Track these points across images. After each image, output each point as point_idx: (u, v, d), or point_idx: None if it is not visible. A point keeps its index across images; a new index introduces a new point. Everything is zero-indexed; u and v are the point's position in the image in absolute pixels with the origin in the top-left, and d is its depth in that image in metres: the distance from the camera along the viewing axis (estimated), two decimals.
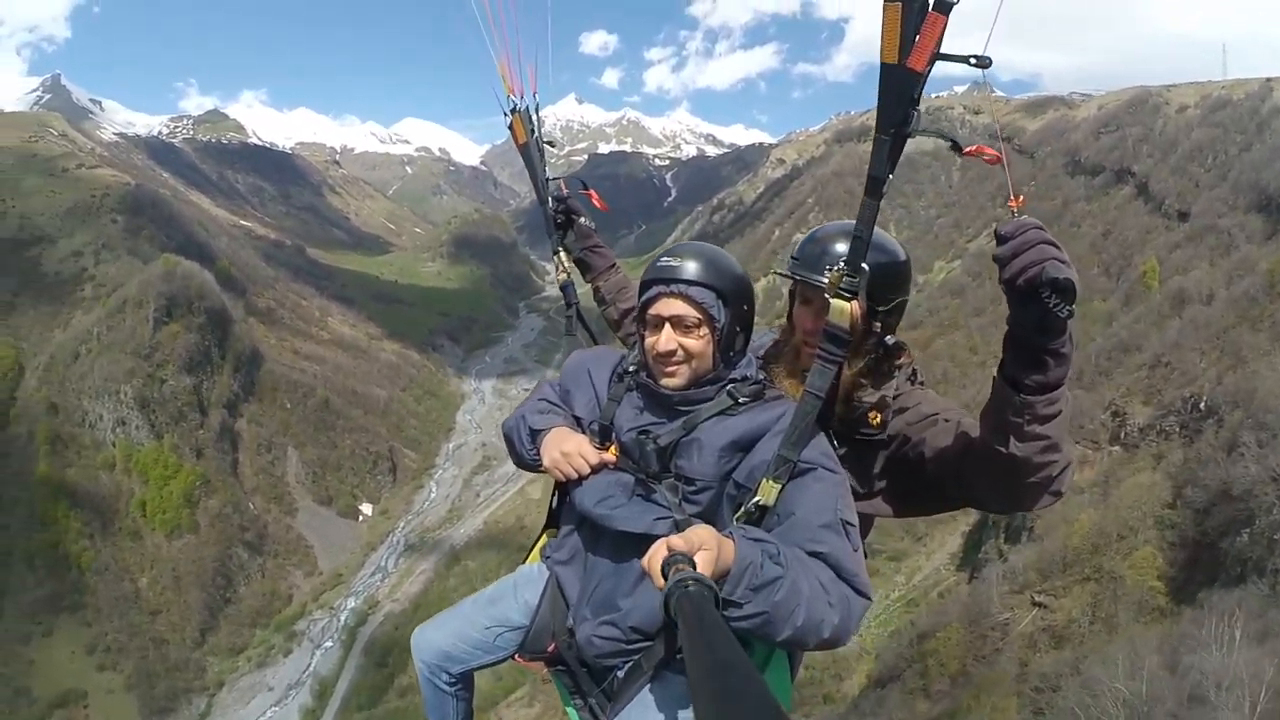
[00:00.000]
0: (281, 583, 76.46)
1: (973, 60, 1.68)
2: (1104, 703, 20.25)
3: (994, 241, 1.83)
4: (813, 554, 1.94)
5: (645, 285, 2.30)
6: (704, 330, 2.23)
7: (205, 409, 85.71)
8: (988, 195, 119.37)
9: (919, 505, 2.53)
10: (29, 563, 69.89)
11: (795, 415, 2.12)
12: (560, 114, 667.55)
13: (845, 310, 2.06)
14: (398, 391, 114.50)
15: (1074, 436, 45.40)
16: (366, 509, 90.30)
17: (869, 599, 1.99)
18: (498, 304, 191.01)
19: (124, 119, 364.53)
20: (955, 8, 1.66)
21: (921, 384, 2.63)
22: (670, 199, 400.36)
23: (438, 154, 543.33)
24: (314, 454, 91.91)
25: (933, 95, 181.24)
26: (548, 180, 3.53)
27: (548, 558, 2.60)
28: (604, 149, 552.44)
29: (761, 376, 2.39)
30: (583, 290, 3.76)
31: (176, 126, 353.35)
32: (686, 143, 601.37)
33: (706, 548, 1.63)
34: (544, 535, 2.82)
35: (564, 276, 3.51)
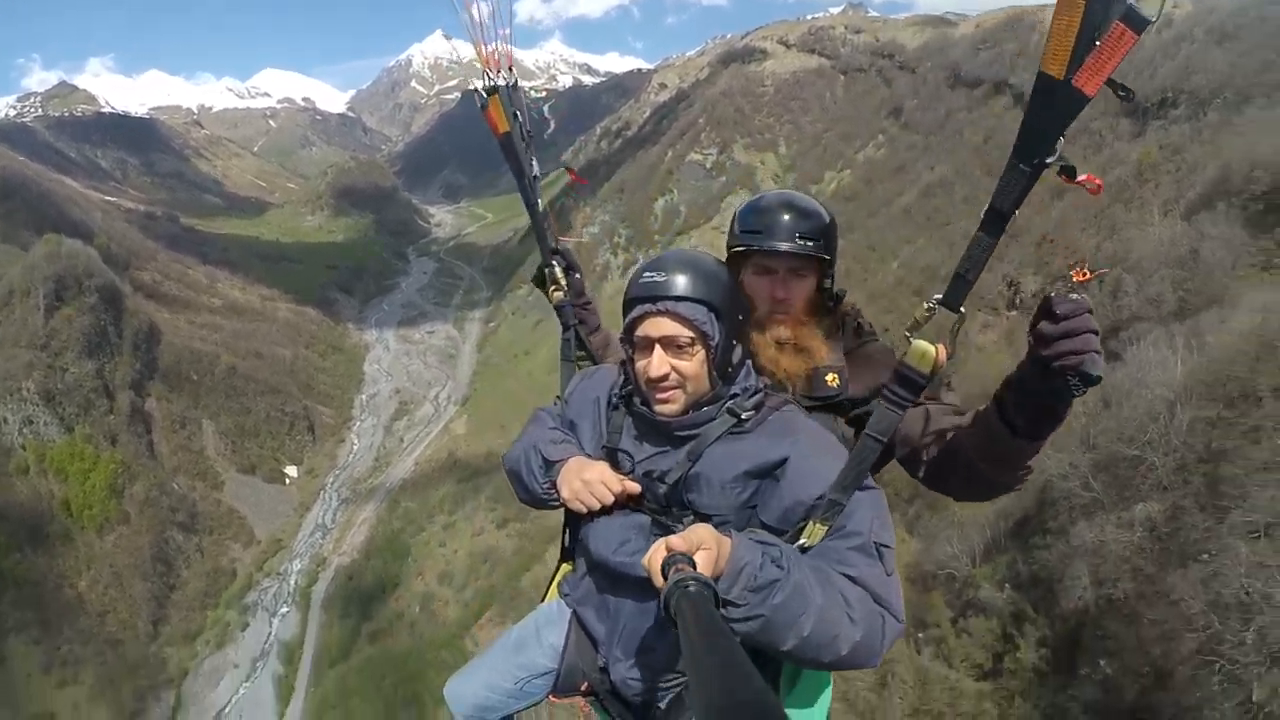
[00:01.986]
0: (222, 559, 74.94)
1: (1121, 93, 1.62)
2: None
3: (1041, 311, 1.84)
4: (844, 575, 1.92)
5: (629, 304, 2.13)
6: (698, 349, 2.08)
7: (112, 393, 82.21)
8: (871, 109, 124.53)
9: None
10: None
11: (852, 459, 2.03)
12: (428, 51, 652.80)
13: (930, 354, 1.97)
14: (301, 349, 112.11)
15: (975, 305, 51.81)
16: (292, 471, 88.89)
17: (902, 622, 1.95)
18: (386, 251, 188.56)
19: None
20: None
21: (871, 334, 2.70)
22: (550, 130, 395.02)
23: (302, 104, 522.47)
24: (229, 423, 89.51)
25: (810, 16, 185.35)
26: (536, 178, 2.99)
27: (566, 595, 2.51)
28: (476, 84, 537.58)
29: (761, 384, 2.26)
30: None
31: (24, 106, 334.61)
32: (562, 73, 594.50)
33: (706, 547, 1.63)
34: (560, 570, 2.71)
35: (560, 295, 3.05)
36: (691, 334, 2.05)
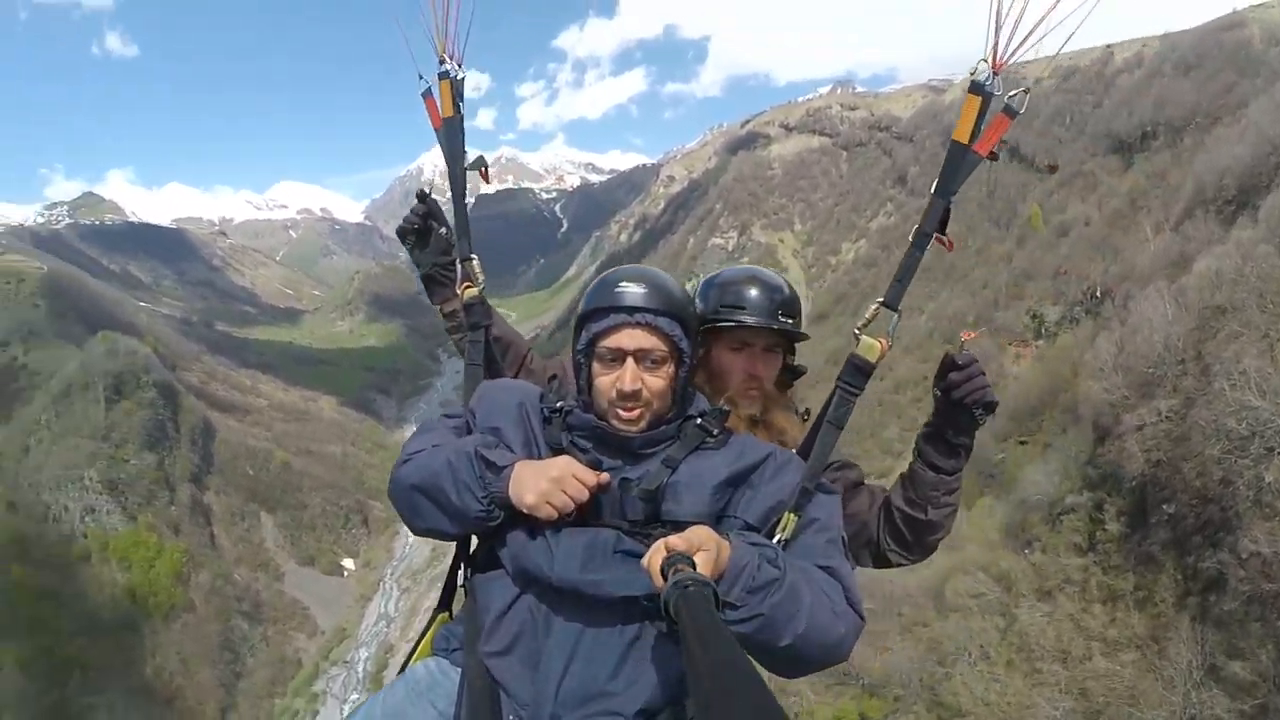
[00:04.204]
0: (287, 647, 74.32)
1: (992, 158, 2.16)
2: None
3: (945, 366, 2.28)
4: (823, 568, 1.92)
5: (596, 313, 2.01)
6: (670, 366, 2.02)
7: (172, 485, 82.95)
8: (877, 179, 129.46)
9: None
10: (26, 674, 65.34)
11: (818, 448, 2.15)
12: (437, 160, 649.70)
13: (876, 347, 2.20)
14: (348, 446, 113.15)
15: (1004, 340, 56.94)
16: (349, 563, 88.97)
17: (864, 620, 1.95)
18: (418, 353, 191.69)
19: None
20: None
21: (805, 417, 2.72)
22: (563, 229, 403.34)
23: (320, 214, 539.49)
24: (286, 517, 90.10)
25: (800, 99, 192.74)
26: (466, 169, 2.78)
27: (453, 650, 2.12)
28: (485, 189, 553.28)
29: (725, 408, 2.18)
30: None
31: (52, 214, 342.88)
32: (568, 173, 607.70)
33: (706, 548, 1.59)
34: (436, 621, 2.38)
35: (474, 291, 2.75)
36: (666, 349, 1.99)
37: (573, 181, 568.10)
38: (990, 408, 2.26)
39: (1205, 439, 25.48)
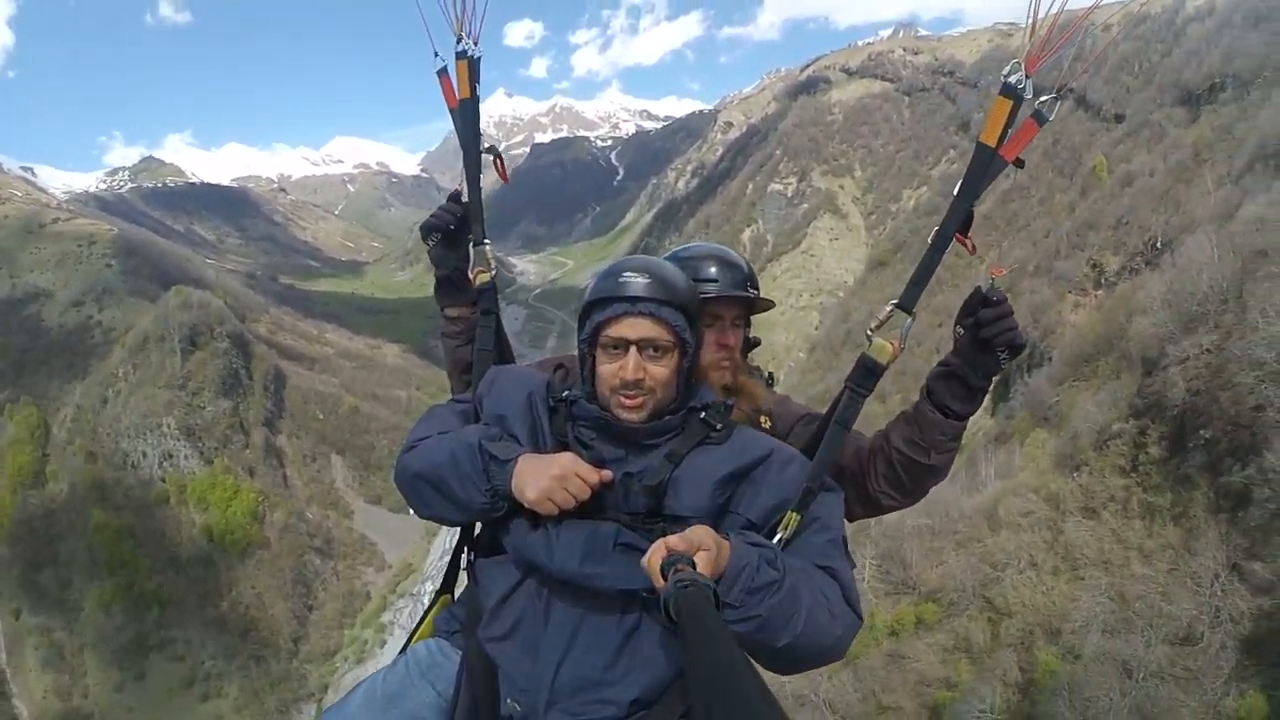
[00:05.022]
0: (356, 582, 77.51)
1: (1019, 165, 2.12)
2: None
3: (975, 301, 2.14)
4: (822, 568, 1.93)
5: (600, 303, 2.01)
6: (674, 356, 2.02)
7: (247, 430, 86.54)
8: (939, 126, 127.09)
9: None
10: (105, 610, 69.96)
11: (823, 449, 2.13)
12: (491, 110, 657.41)
13: (888, 349, 2.16)
14: (413, 391, 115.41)
15: (1064, 289, 57.71)
16: None
17: (862, 620, 1.97)
18: None
19: (61, 181, 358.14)
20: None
21: (772, 385, 2.81)
22: (619, 177, 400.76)
23: (376, 168, 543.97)
24: (355, 458, 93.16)
25: (860, 42, 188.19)
26: (484, 153, 2.78)
27: (454, 632, 2.19)
28: (540, 139, 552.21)
29: (729, 401, 2.18)
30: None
31: (114, 180, 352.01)
32: (623, 121, 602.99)
33: (706, 548, 1.61)
34: (438, 603, 2.42)
35: (486, 276, 2.78)
36: (671, 338, 2.00)
37: (628, 129, 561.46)
38: (1016, 350, 2.13)
39: (1240, 369, 27.81)
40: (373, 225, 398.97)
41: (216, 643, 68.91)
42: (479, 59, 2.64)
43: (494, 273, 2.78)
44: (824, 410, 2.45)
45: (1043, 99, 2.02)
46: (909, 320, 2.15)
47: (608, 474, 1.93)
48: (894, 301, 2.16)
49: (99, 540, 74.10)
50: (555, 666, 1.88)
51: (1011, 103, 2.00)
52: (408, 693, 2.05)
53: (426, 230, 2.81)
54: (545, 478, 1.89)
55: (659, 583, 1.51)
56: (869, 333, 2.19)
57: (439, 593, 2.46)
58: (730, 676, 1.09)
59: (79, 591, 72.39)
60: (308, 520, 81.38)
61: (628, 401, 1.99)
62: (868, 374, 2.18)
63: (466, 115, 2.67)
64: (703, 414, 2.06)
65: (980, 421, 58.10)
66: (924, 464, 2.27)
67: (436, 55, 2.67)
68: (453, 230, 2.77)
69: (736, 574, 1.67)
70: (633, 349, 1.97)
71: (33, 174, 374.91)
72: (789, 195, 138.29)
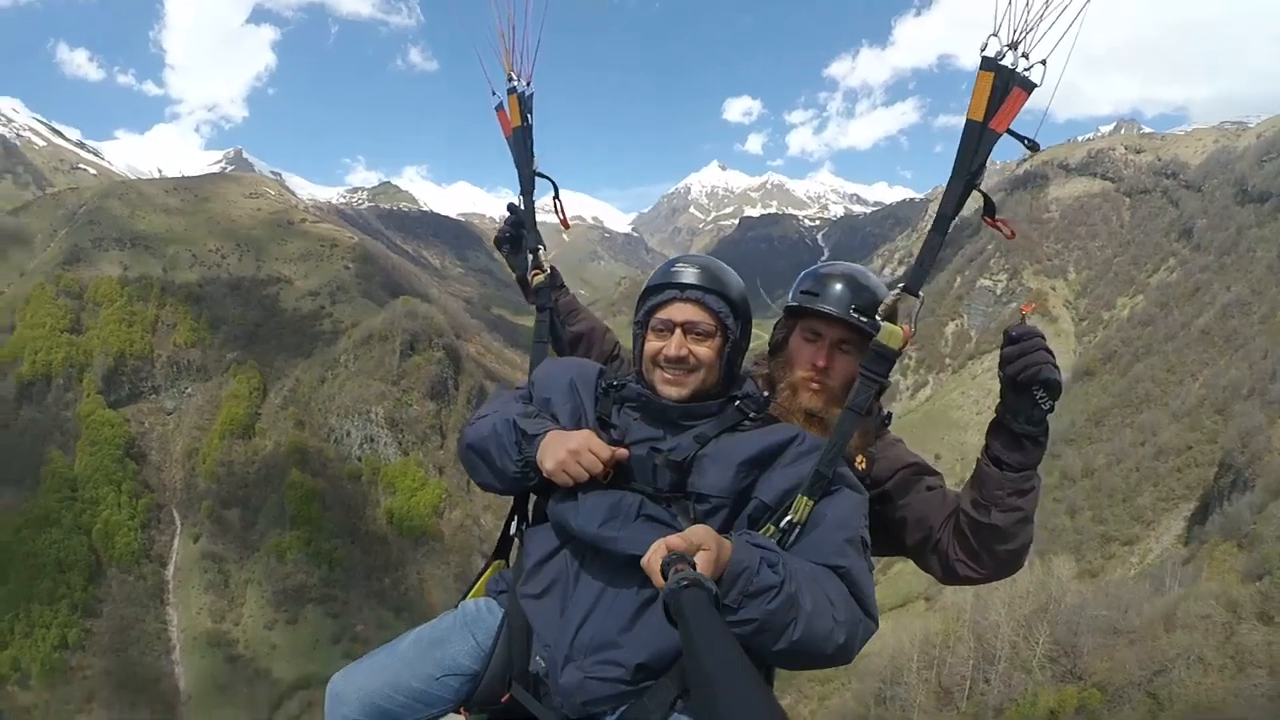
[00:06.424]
0: None
1: (1026, 142, 2.01)
2: None
3: (1005, 340, 2.09)
4: (834, 567, 1.91)
5: (653, 290, 2.19)
6: (716, 340, 2.13)
7: (444, 433, 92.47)
8: (1161, 231, 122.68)
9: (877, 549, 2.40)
10: (280, 557, 76.83)
11: (835, 431, 2.09)
12: (705, 180, 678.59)
13: (899, 334, 2.13)
14: None
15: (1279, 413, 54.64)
16: None
17: (877, 624, 1.96)
18: None
19: (306, 191, 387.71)
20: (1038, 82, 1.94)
21: (887, 425, 2.64)
22: (824, 257, 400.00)
23: (591, 222, 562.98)
24: None
25: (1080, 138, 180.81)
26: (536, 175, 3.07)
27: (500, 592, 2.31)
28: (750, 212, 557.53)
29: (766, 395, 2.28)
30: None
31: (353, 197, 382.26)
32: (833, 203, 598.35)
33: (706, 548, 1.62)
34: (491, 566, 2.57)
35: (541, 278, 3.05)
36: (713, 323, 2.12)
37: (837, 211, 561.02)
38: (1052, 388, 2.05)
39: None
40: (583, 274, 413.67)
41: (372, 612, 74.42)
42: (530, 94, 3.01)
43: (548, 273, 3.08)
44: (933, 466, 2.53)
45: (1028, 66, 1.95)
46: (918, 303, 2.17)
47: (623, 451, 2.05)
48: (900, 284, 2.23)
49: (290, 496, 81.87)
50: (577, 626, 1.99)
51: (993, 75, 1.96)
52: (451, 639, 2.23)
53: (498, 242, 3.30)
54: (562, 450, 2.00)
55: (659, 582, 1.54)
56: (878, 318, 2.22)
57: (492, 557, 2.62)
58: (729, 676, 1.09)
59: (260, 535, 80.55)
60: (481, 525, 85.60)
61: (671, 377, 2.13)
62: (879, 359, 2.14)
63: (520, 141, 3.04)
64: (738, 403, 2.17)
65: (1173, 549, 55.71)
66: (985, 523, 2.19)
67: (494, 94, 3.05)
68: (512, 238, 3.20)
69: (736, 575, 1.69)
70: (678, 330, 2.12)
71: (281, 179, 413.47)
72: (997, 292, 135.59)
